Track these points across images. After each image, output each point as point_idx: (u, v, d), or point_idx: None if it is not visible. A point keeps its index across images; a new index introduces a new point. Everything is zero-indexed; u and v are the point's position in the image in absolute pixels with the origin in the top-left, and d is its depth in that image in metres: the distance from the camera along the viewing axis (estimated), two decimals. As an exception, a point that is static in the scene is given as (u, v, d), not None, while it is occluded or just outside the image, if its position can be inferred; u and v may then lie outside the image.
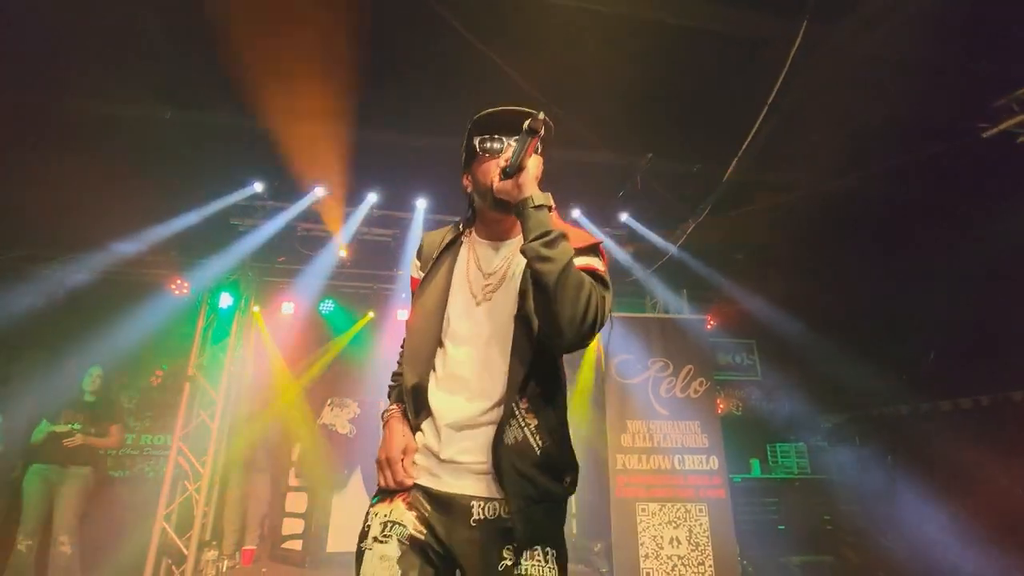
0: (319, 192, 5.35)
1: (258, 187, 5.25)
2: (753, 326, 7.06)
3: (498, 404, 1.21)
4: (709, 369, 5.40)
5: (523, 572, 1.13)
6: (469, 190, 1.41)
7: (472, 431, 1.22)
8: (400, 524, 1.18)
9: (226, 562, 4.96)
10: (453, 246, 1.42)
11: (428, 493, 1.21)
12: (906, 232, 5.49)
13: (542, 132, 1.16)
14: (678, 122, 4.68)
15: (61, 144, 4.35)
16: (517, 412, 1.20)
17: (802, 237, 5.75)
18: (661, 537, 4.76)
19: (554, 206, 1.22)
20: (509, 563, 1.14)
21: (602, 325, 1.18)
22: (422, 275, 1.41)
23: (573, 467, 1.27)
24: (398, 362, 1.46)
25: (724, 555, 4.75)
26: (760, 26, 3.67)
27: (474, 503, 1.18)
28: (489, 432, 1.20)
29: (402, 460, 1.23)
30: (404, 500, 1.21)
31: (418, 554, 1.16)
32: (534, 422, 1.21)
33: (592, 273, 1.21)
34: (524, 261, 1.26)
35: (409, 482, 1.22)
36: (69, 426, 4.27)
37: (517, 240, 1.35)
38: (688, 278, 6.10)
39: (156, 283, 5.56)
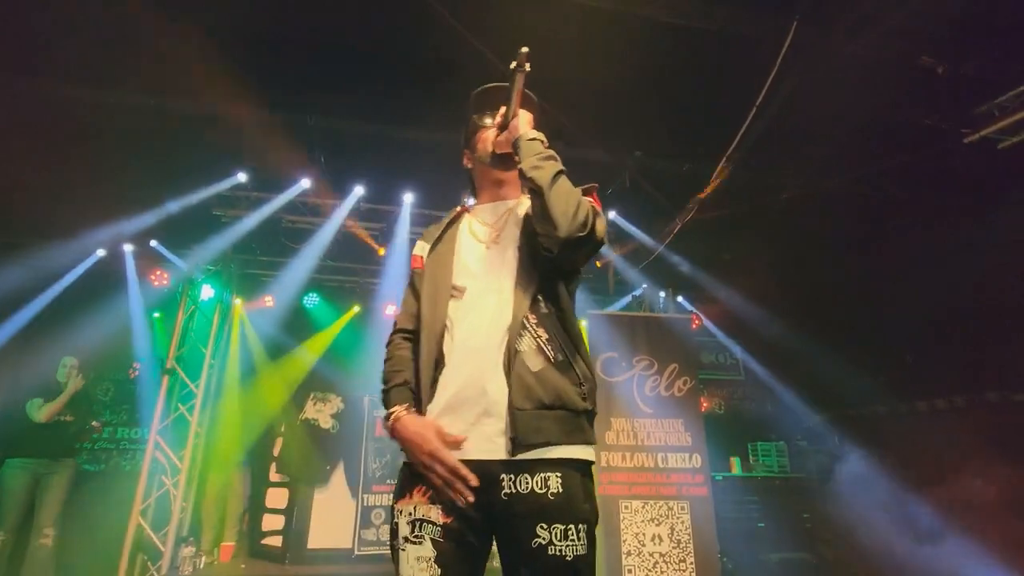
0: (305, 184, 5.28)
1: (242, 177, 5.16)
2: (737, 326, 7.13)
3: (511, 323, 1.24)
4: (693, 368, 5.43)
5: (558, 552, 1.10)
6: (470, 166, 1.54)
7: (489, 350, 1.23)
8: (428, 521, 1.16)
9: (204, 558, 4.88)
10: (457, 221, 1.50)
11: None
12: (889, 234, 5.58)
13: (527, 67, 1.27)
14: (668, 121, 4.69)
15: (42, 129, 4.23)
16: (528, 326, 1.24)
17: (788, 238, 5.81)
18: (643, 534, 4.78)
19: (547, 141, 1.35)
20: (543, 541, 1.11)
21: (596, 234, 1.26)
22: (427, 249, 1.47)
23: (590, 378, 1.26)
24: (386, 360, 1.40)
25: (705, 552, 4.79)
26: (751, 26, 3.68)
27: (503, 476, 1.16)
28: (503, 347, 1.22)
29: (440, 440, 1.18)
30: (421, 493, 1.19)
31: (454, 545, 1.15)
32: (545, 335, 1.24)
33: None
34: (525, 208, 1.41)
35: (461, 442, 1.18)
36: (62, 417, 4.22)
37: (515, 200, 1.48)
38: (675, 277, 6.13)
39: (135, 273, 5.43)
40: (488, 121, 1.46)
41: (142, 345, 5.48)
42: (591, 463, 1.24)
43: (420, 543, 1.15)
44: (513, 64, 1.27)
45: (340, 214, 5.35)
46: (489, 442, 1.17)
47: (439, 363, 1.27)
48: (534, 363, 1.20)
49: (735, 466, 6.99)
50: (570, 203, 1.23)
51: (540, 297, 1.28)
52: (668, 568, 4.71)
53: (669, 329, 5.54)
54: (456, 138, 1.60)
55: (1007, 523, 4.74)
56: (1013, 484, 4.89)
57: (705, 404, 7.61)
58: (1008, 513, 4.80)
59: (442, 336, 1.29)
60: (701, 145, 4.69)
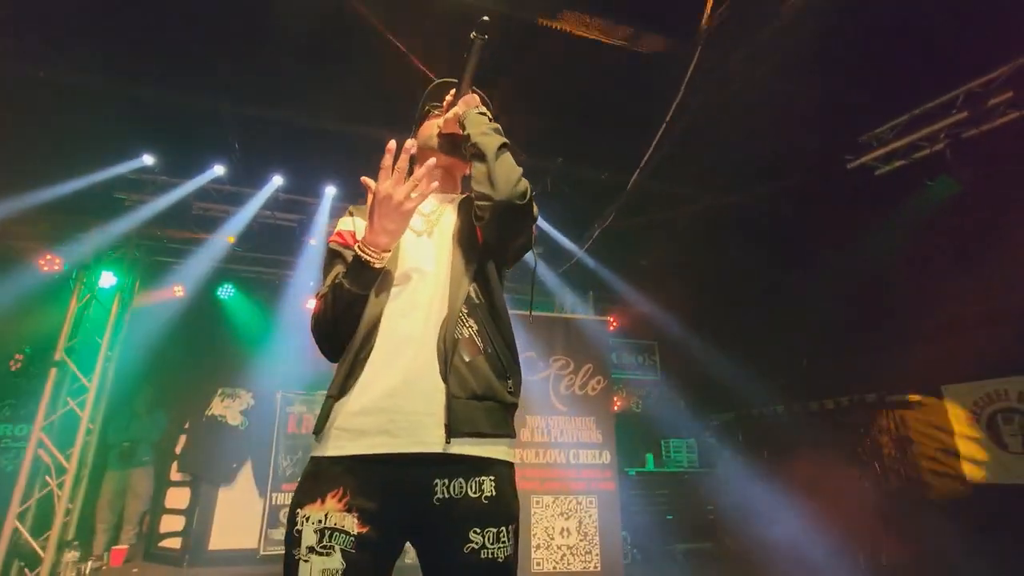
0: (218, 170, 5.05)
1: (148, 160, 4.86)
2: (654, 329, 7.48)
3: (448, 314, 1.24)
4: (607, 368, 5.65)
5: (490, 555, 1.10)
6: (413, 152, 1.48)
7: (425, 341, 1.21)
8: (340, 531, 1.06)
9: (90, 563, 4.57)
10: None
11: (373, 476, 1.11)
12: (787, 248, 6.04)
13: (487, 35, 1.31)
14: (589, 129, 4.85)
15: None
16: (460, 316, 1.24)
17: (698, 248, 6.16)
18: (553, 528, 4.94)
19: (494, 121, 1.38)
20: (476, 545, 1.09)
21: (533, 209, 1.31)
22: (361, 227, 1.37)
23: (516, 371, 1.28)
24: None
25: (610, 543, 5.01)
26: (662, 46, 3.88)
27: (437, 482, 1.12)
28: (439, 338, 1.21)
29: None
30: (336, 498, 1.08)
31: (367, 557, 1.07)
32: (476, 326, 1.25)
33: None
34: (461, 199, 1.46)
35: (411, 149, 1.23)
36: None
37: (454, 194, 1.52)
38: (594, 281, 6.35)
39: (18, 257, 4.98)
40: (436, 111, 1.50)
41: (25, 335, 5.05)
42: (513, 464, 1.25)
43: (328, 554, 1.04)
44: (473, 33, 1.28)
45: (256, 203, 5.15)
46: (425, 434, 1.13)
47: (368, 350, 1.20)
48: (466, 353, 1.21)
49: (648, 462, 7.34)
50: (513, 172, 1.26)
51: (473, 288, 1.29)
52: (575, 560, 4.89)
53: (586, 330, 5.73)
54: (382, 134, 1.62)
55: (867, 510, 5.27)
56: (878, 474, 5.45)
57: (621, 403, 7.93)
58: (870, 497, 5.34)
59: (377, 323, 1.23)
60: (619, 155, 4.88)
